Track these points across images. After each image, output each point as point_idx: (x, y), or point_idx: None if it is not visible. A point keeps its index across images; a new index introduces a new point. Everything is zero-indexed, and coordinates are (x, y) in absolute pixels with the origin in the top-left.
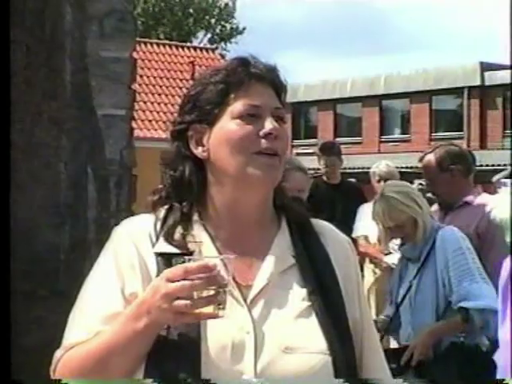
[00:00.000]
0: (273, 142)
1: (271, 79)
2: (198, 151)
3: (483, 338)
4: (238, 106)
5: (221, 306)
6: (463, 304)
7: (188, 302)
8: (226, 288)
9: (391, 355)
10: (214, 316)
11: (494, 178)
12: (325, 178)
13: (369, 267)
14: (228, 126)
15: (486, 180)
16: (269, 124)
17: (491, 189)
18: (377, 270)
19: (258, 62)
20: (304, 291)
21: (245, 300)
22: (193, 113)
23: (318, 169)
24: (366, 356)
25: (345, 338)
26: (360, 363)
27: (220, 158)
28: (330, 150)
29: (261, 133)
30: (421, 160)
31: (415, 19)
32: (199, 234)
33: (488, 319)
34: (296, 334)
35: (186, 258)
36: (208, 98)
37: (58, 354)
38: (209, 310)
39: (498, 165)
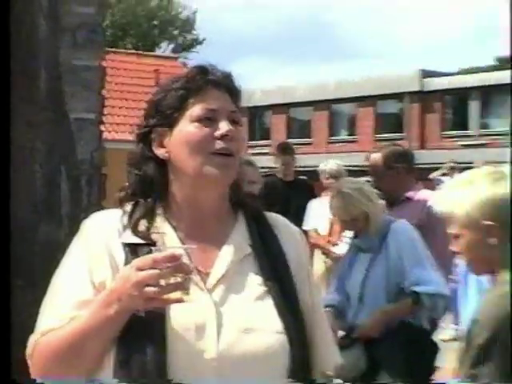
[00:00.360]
0: (228, 143)
1: (227, 85)
2: (160, 152)
3: (426, 321)
4: (196, 110)
5: (186, 292)
6: (415, 288)
7: (157, 288)
8: (190, 275)
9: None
10: (181, 301)
11: (432, 176)
12: (280, 175)
13: (320, 257)
14: (187, 128)
15: (425, 177)
16: (224, 126)
17: (430, 185)
18: (327, 260)
19: (215, 69)
20: (260, 278)
21: (206, 286)
22: (155, 117)
23: (272, 167)
24: (316, 336)
25: (298, 320)
26: (311, 342)
27: (180, 159)
28: (285, 150)
29: (217, 134)
30: (368, 159)
31: (362, 30)
32: (163, 226)
33: (436, 303)
34: (254, 317)
35: (153, 248)
36: (169, 104)
37: (32, 339)
38: (175, 295)
39: (436, 163)
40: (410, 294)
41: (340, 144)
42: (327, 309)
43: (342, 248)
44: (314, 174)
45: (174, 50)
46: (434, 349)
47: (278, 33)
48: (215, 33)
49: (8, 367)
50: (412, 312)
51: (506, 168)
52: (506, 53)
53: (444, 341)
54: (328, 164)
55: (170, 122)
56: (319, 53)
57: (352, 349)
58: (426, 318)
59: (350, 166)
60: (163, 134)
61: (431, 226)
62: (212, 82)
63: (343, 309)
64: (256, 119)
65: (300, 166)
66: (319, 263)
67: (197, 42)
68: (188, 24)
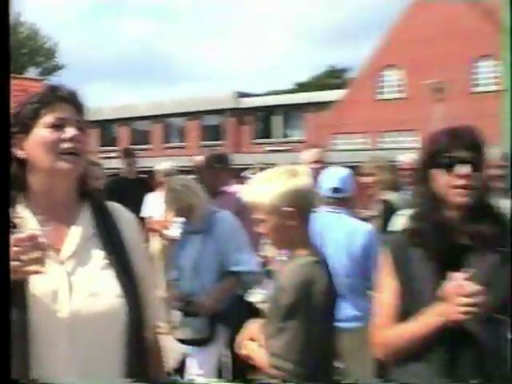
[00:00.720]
0: (74, 144)
1: (73, 100)
2: (20, 153)
3: (242, 290)
4: (47, 118)
5: (43, 265)
6: (237, 268)
7: (19, 262)
8: (46, 251)
9: (185, 304)
10: (39, 272)
11: (244, 174)
12: (124, 174)
13: (158, 239)
14: (40, 133)
15: (239, 175)
16: (71, 131)
17: (242, 181)
18: (163, 241)
19: (64, 88)
20: (103, 253)
21: (59, 259)
22: (16, 125)
23: (118, 168)
24: (148, 299)
25: (134, 287)
26: (144, 305)
27: (36, 158)
28: (128, 154)
29: (65, 137)
30: (194, 161)
31: (191, 57)
32: (23, 212)
33: (252, 278)
34: (99, 284)
35: (15, 230)
36: (25, 114)
37: None
38: (35, 268)
39: (248, 164)
40: (234, 272)
41: (173, 150)
42: (170, 283)
43: (173, 231)
44: (151, 173)
45: (40, 74)
46: (255, 309)
47: (125, 60)
48: (75, 60)
49: (8, 367)
50: (236, 287)
51: (300, 167)
52: (303, 79)
53: (255, 303)
54: (162, 165)
55: (27, 129)
56: (158, 76)
57: (194, 316)
58: (243, 289)
59: (181, 167)
60: (22, 139)
61: (242, 213)
62: (60, 98)
63: (180, 282)
64: (105, 130)
65: (140, 167)
66: (157, 244)
67: (58, 67)
68: (51, 52)
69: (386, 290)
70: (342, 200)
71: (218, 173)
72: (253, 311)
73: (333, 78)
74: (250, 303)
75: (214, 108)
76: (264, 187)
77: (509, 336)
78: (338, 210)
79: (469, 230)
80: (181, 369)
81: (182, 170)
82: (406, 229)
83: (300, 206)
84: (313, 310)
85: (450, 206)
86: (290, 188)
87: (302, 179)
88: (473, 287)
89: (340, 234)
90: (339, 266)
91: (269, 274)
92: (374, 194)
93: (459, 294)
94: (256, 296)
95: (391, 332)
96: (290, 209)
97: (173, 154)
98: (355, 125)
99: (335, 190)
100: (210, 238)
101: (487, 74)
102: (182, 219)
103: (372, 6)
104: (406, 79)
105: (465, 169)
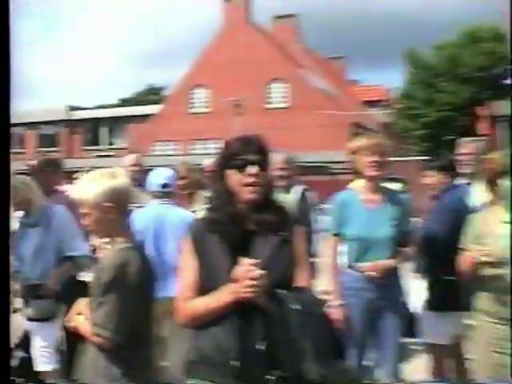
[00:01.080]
0: None
1: None
2: None
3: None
4: None
5: None
6: (73, 254)
7: None
8: None
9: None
10: None
11: (75, 175)
12: None
13: None
14: None
15: (71, 177)
16: None
17: (73, 182)
18: None
19: None
20: None
21: None
22: None
23: None
24: None
25: None
26: None
27: None
28: None
29: None
30: (29, 165)
31: (30, 73)
32: None
33: (84, 262)
34: None
35: None
36: None
37: None
38: None
39: (79, 168)
40: (70, 257)
41: (14, 155)
42: (13, 271)
43: (13, 225)
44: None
45: None
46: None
47: None
48: None
49: (7, 367)
50: (72, 269)
51: (119, 169)
52: (126, 95)
53: (87, 283)
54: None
55: None
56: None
57: (38, 297)
58: (77, 271)
59: (19, 170)
60: None
61: (71, 208)
62: None
63: (23, 270)
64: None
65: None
66: None
67: None
68: None
69: (187, 268)
70: (169, 194)
71: (49, 175)
72: (86, 290)
73: (152, 95)
74: (84, 283)
75: (49, 119)
76: (88, 186)
77: (291, 306)
78: (166, 202)
79: (256, 219)
80: (23, 344)
81: (20, 173)
82: (205, 218)
83: (118, 201)
84: (127, 287)
85: (240, 199)
86: (109, 187)
87: (120, 180)
88: (257, 272)
89: (173, 218)
90: (175, 244)
91: (95, 259)
92: (189, 193)
93: (247, 278)
94: (87, 277)
95: (191, 304)
96: (109, 204)
97: (14, 158)
98: (170, 134)
99: (163, 185)
100: (48, 228)
101: (278, 94)
102: (21, 213)
103: (186, 33)
104: (211, 96)
105: (253, 169)
